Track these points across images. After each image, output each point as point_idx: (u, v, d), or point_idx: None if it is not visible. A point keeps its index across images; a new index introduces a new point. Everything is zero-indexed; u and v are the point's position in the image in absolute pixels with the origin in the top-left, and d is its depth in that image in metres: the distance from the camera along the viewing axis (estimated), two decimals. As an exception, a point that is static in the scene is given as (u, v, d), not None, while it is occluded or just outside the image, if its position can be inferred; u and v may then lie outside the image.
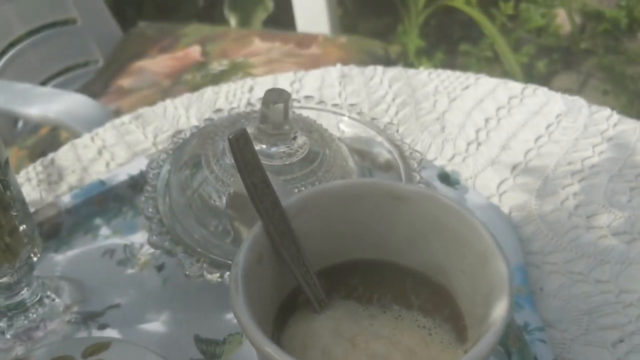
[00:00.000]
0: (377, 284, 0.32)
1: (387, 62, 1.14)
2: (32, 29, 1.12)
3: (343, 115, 0.49)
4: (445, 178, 0.50)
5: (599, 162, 0.51)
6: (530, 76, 1.89)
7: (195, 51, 1.12)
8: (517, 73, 1.57)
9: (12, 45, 1.09)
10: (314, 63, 1.05)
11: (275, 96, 0.40)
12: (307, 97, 0.50)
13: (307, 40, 1.11)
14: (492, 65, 1.90)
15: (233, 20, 1.81)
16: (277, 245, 0.30)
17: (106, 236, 0.49)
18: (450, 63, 1.96)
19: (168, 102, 0.60)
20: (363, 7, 2.13)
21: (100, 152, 0.56)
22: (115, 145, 0.56)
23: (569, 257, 0.45)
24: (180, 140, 0.46)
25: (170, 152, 0.45)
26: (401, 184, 0.33)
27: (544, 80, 1.92)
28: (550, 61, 1.95)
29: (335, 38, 1.14)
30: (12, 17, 1.09)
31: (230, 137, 0.28)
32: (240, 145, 0.28)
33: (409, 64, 1.89)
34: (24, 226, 0.38)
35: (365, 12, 2.11)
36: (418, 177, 0.42)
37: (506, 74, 1.75)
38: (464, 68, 1.94)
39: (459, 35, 1.98)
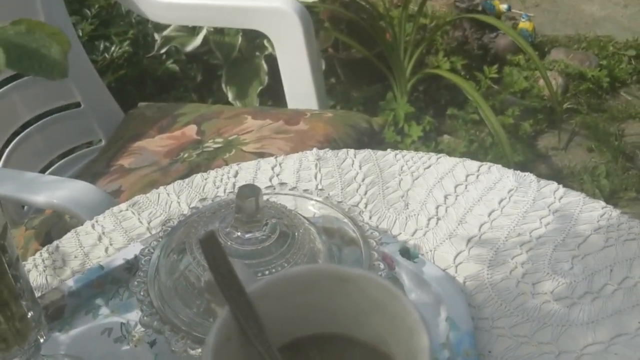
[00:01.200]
0: (332, 354, 0.38)
1: (371, 133, 1.21)
2: (37, 115, 1.21)
3: (313, 199, 0.55)
4: (406, 252, 0.56)
5: (545, 233, 0.57)
6: (516, 137, 1.97)
7: (191, 130, 1.20)
8: (502, 135, 1.64)
9: (18, 130, 1.18)
10: (302, 138, 1.13)
11: (248, 191, 0.47)
12: (281, 184, 0.57)
13: (296, 116, 1.19)
14: (479, 127, 1.98)
15: (230, 94, 1.91)
16: (243, 327, 0.35)
17: (105, 315, 0.55)
18: (439, 127, 2.04)
19: (161, 189, 0.67)
20: (354, 75, 2.24)
21: (100, 238, 0.62)
22: (113, 231, 0.63)
23: (516, 322, 0.50)
24: (169, 228, 0.53)
25: (160, 239, 0.52)
26: (347, 268, 0.39)
27: (531, 139, 2.01)
28: (536, 121, 2.03)
29: (322, 113, 1.22)
30: (19, 104, 1.18)
31: (200, 238, 0.34)
32: (209, 244, 0.35)
33: (399, 129, 1.98)
34: (32, 312, 0.44)
35: (357, 81, 2.22)
36: (376, 255, 0.49)
37: (492, 135, 1.83)
38: (452, 131, 2.03)
39: (446, 99, 2.07)
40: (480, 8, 2.26)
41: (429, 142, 1.97)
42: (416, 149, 1.93)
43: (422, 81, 2.10)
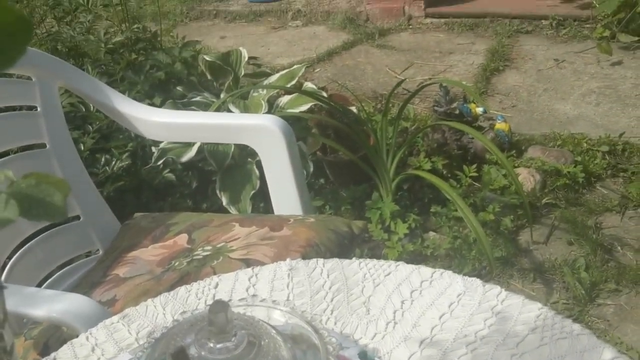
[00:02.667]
0: None
1: (351, 237, 1.30)
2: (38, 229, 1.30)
3: (281, 310, 0.63)
4: (364, 356, 0.63)
5: (488, 334, 0.64)
6: (497, 232, 2.05)
7: (182, 239, 1.29)
8: (480, 233, 1.72)
9: (20, 245, 1.26)
10: (285, 244, 1.21)
11: (219, 307, 0.54)
12: (254, 296, 0.64)
13: (280, 223, 1.28)
14: (462, 224, 2.07)
15: (224, 199, 2.01)
16: None
17: (94, 421, 0.61)
18: (424, 224, 2.13)
19: (149, 301, 0.75)
20: (342, 176, 2.36)
21: (93, 349, 0.69)
22: (105, 342, 0.70)
23: (459, 417, 0.56)
24: (153, 340, 0.60)
25: (145, 350, 0.59)
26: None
27: (512, 234, 2.09)
28: (516, 217, 2.12)
29: (304, 219, 1.31)
30: (20, 219, 1.26)
31: (171, 352, 0.42)
32: (179, 357, 0.42)
33: (386, 227, 2.07)
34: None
35: (345, 181, 2.33)
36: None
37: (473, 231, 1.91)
38: (437, 228, 2.11)
39: (429, 198, 2.17)
40: (457, 111, 2.41)
41: (415, 239, 2.05)
42: (403, 246, 2.01)
43: (406, 180, 2.21)
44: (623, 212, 2.12)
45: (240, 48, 2.43)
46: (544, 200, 2.19)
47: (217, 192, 2.01)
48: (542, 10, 3.64)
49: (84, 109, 1.88)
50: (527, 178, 2.25)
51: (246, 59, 2.44)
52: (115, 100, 1.41)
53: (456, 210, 2.06)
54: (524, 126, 2.60)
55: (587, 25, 3.47)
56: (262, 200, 1.99)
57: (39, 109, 1.29)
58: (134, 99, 1.49)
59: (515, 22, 3.63)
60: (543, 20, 3.58)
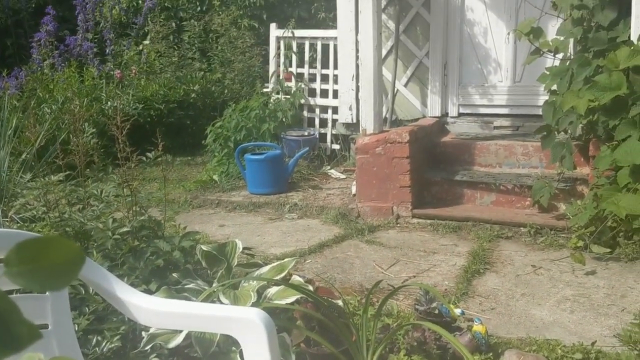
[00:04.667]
0: None
1: None
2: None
3: None
4: None
5: None
6: None
7: None
8: None
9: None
10: None
11: None
12: None
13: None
14: None
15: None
16: None
17: None
18: None
19: None
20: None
21: None
22: None
23: None
24: None
25: None
26: None
27: None
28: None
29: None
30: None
31: None
32: None
33: None
34: None
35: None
36: None
37: None
38: None
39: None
40: (437, 311, 2.53)
41: None
42: None
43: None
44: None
45: (236, 240, 2.63)
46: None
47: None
48: (521, 218, 3.92)
49: (83, 292, 2.01)
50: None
51: (240, 250, 2.62)
52: (114, 286, 1.55)
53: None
54: (502, 329, 2.70)
55: (563, 235, 3.71)
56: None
57: (47, 293, 1.43)
58: (132, 284, 1.63)
59: (496, 227, 3.89)
60: (522, 228, 3.84)
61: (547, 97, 4.03)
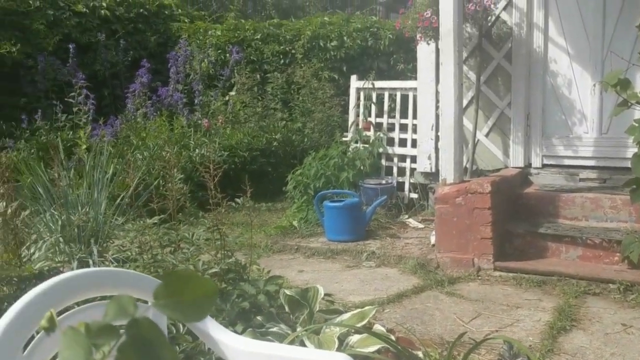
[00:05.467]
0: None
1: None
2: None
3: None
4: None
5: None
6: None
7: None
8: None
9: None
10: None
11: None
12: None
13: None
14: None
15: None
16: None
17: None
18: None
19: None
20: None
21: None
22: None
23: None
24: None
25: None
26: None
27: None
28: None
29: None
30: None
31: None
32: None
33: None
34: None
35: None
36: None
37: None
38: None
39: None
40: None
41: None
42: None
43: None
44: None
45: (318, 286, 2.67)
46: None
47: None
48: (610, 274, 3.76)
49: (174, 331, 2.10)
50: None
51: (322, 296, 2.66)
52: (207, 324, 1.62)
53: None
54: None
55: (656, 293, 3.53)
56: None
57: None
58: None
59: (583, 283, 3.74)
60: (610, 284, 3.68)
61: (636, 150, 3.90)
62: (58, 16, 7.59)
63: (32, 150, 6.17)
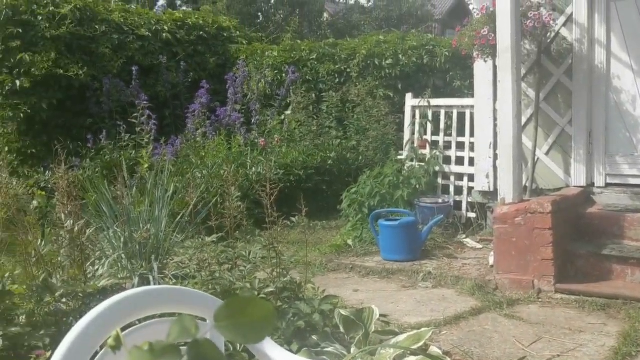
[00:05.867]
0: None
1: None
2: None
3: None
4: None
5: None
6: None
7: None
8: None
9: None
10: None
11: None
12: None
13: None
14: None
15: None
16: None
17: None
18: None
19: None
20: None
21: None
22: None
23: None
24: None
25: None
26: None
27: None
28: None
29: None
30: None
31: None
32: None
33: None
34: None
35: None
36: None
37: None
38: None
39: None
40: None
41: None
42: None
43: None
44: None
45: (373, 306, 2.66)
46: None
47: None
48: (680, 299, 3.58)
49: (231, 348, 2.13)
50: None
51: (377, 316, 2.65)
52: (265, 344, 1.64)
53: None
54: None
55: None
56: None
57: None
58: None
59: (651, 307, 3.58)
60: (681, 309, 3.51)
61: None
62: (122, 40, 7.90)
63: (97, 169, 6.41)
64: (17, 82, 6.90)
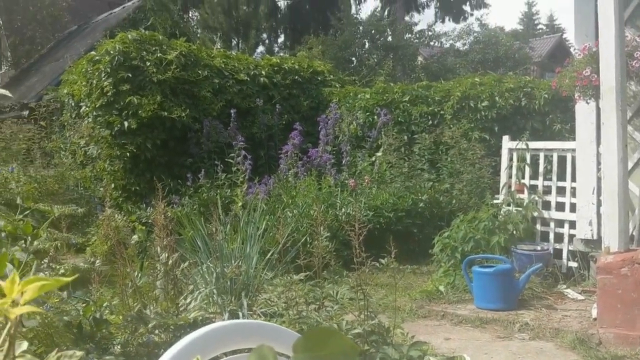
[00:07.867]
0: None
1: None
2: None
3: None
4: None
5: None
6: None
7: None
8: None
9: None
10: None
11: None
12: None
13: None
14: None
15: None
16: None
17: None
18: None
19: None
20: None
21: None
22: None
23: None
24: None
25: None
26: None
27: None
28: None
29: None
30: None
31: None
32: None
33: None
34: None
35: None
36: None
37: None
38: None
39: None
40: None
41: None
42: None
43: None
44: None
45: (465, 355, 2.54)
46: None
47: None
48: None
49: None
50: None
51: (469, 366, 2.52)
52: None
53: None
54: None
55: None
56: None
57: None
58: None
59: None
60: None
61: None
62: (222, 84, 8.27)
63: (195, 206, 6.64)
64: (125, 123, 7.36)
